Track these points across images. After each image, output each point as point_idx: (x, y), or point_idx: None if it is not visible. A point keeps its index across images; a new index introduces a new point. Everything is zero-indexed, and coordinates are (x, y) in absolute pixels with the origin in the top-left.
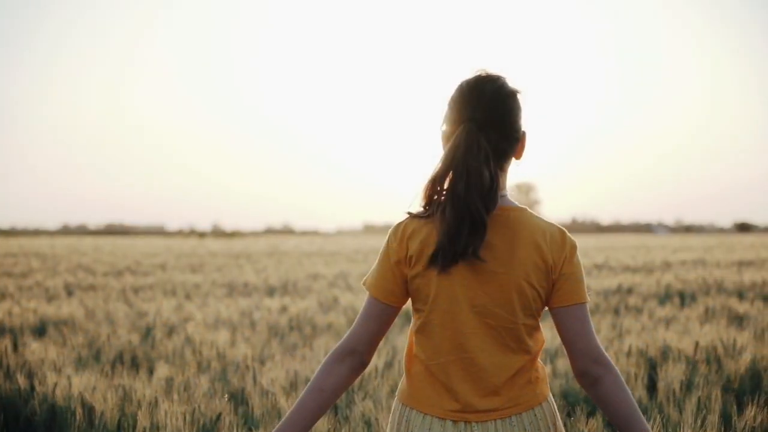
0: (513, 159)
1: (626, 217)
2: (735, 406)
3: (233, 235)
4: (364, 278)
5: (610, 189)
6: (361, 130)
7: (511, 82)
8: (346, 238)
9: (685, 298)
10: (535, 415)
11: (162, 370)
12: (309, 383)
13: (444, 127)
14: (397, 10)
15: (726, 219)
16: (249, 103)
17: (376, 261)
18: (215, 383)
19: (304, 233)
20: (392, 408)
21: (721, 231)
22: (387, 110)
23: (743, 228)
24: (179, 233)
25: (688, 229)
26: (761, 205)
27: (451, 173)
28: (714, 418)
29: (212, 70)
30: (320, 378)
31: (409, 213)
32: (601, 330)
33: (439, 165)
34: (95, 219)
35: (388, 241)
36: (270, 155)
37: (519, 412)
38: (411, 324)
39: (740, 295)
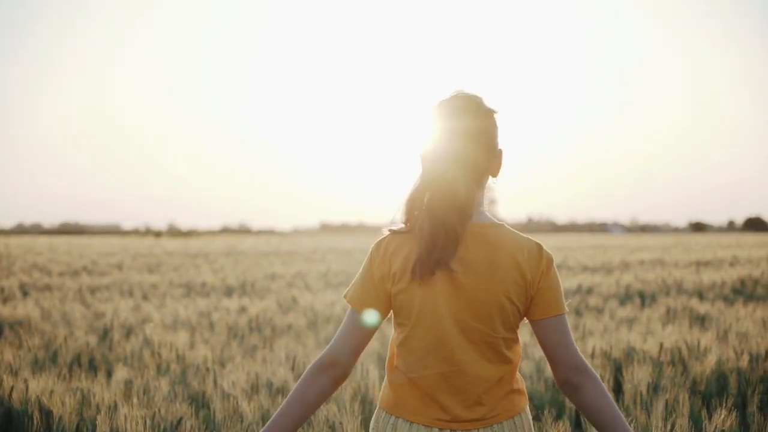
0: (490, 176)
1: (582, 216)
2: (705, 409)
3: (189, 234)
4: (345, 291)
5: (566, 189)
6: (317, 130)
7: (488, 102)
8: (302, 237)
9: (645, 298)
10: (515, 423)
11: (121, 373)
12: (291, 392)
13: (422, 145)
14: (357, 15)
15: (681, 219)
16: (204, 104)
17: (358, 275)
18: (175, 386)
19: (261, 232)
20: (375, 416)
21: (676, 231)
22: (343, 111)
23: (698, 228)
24: (135, 232)
25: (644, 229)
26: (715, 205)
27: (429, 190)
28: (683, 422)
29: (170, 71)
30: (303, 388)
31: (390, 230)
32: None
33: (418, 182)
34: (50, 218)
35: (370, 257)
36: (225, 154)
37: (501, 421)
38: (392, 336)
39: (700, 296)
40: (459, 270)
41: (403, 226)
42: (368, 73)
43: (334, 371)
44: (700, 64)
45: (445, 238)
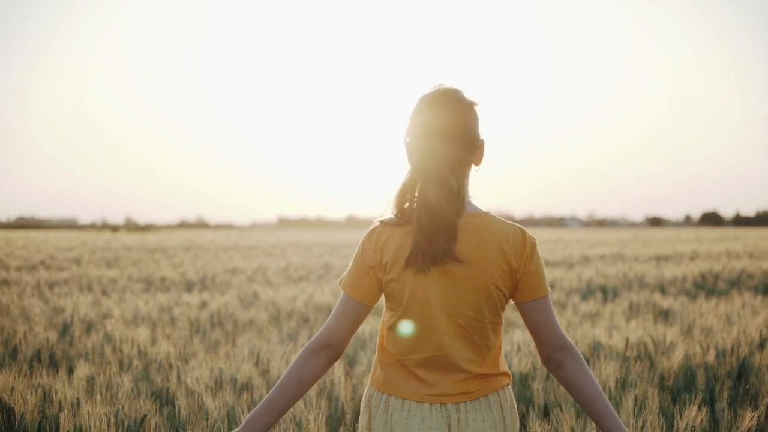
0: (473, 165)
1: (539, 211)
2: (677, 406)
3: (147, 228)
4: (340, 278)
5: (524, 183)
6: (274, 124)
7: (468, 94)
8: (261, 231)
9: (607, 293)
10: (499, 395)
11: (82, 369)
12: (286, 372)
13: (408, 139)
14: (319, 11)
15: (637, 213)
16: (159, 95)
17: (352, 263)
18: (138, 383)
19: (219, 226)
20: (366, 395)
21: (633, 225)
22: (302, 105)
23: (655, 222)
24: (92, 226)
25: (601, 224)
26: (671, 199)
27: (420, 183)
28: (654, 418)
29: (127, 64)
30: (297, 368)
31: (381, 221)
32: None
33: (409, 175)
34: (6, 211)
35: (363, 245)
36: (182, 146)
37: (486, 394)
38: (383, 317)
39: (662, 290)
40: (451, 261)
41: (393, 217)
42: (328, 68)
43: (328, 352)
44: (658, 62)
45: (445, 233)
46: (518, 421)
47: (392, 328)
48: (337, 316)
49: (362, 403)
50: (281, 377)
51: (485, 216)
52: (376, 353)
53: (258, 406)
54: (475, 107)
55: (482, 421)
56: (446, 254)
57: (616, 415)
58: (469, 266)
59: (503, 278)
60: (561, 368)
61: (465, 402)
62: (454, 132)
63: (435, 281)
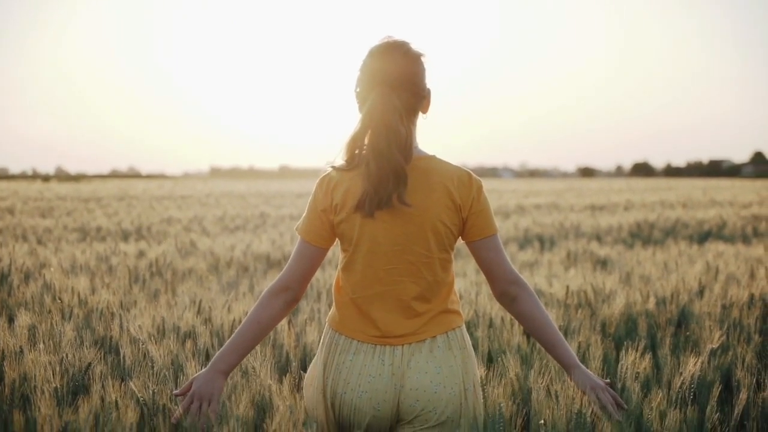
0: (420, 113)
1: (472, 161)
2: (621, 353)
3: (78, 178)
4: (297, 224)
5: (456, 133)
6: (206, 72)
7: (415, 46)
8: (194, 181)
9: (544, 242)
10: (448, 336)
11: (23, 318)
12: (247, 316)
13: (358, 89)
14: None
15: (569, 164)
16: (91, 44)
17: (306, 209)
18: (81, 331)
19: (151, 176)
20: (323, 332)
21: (565, 175)
22: (234, 52)
23: (586, 173)
24: (22, 176)
25: (533, 174)
26: (602, 150)
27: (370, 131)
28: (598, 365)
29: (60, 11)
30: (258, 311)
31: (332, 167)
32: (467, 274)
33: (359, 124)
34: None
35: (315, 191)
36: (113, 95)
37: (434, 335)
38: (339, 260)
39: (599, 239)
40: (399, 204)
41: (344, 163)
42: (262, 17)
43: (286, 295)
44: (594, 18)
45: (395, 178)
46: (474, 360)
47: (345, 267)
48: (294, 260)
49: (320, 340)
50: (244, 320)
51: (431, 158)
52: (333, 295)
53: (222, 348)
54: (422, 58)
55: (425, 362)
56: (393, 198)
57: (567, 343)
58: (415, 204)
59: (449, 215)
60: (514, 302)
61: (410, 344)
62: (402, 82)
63: (384, 220)
